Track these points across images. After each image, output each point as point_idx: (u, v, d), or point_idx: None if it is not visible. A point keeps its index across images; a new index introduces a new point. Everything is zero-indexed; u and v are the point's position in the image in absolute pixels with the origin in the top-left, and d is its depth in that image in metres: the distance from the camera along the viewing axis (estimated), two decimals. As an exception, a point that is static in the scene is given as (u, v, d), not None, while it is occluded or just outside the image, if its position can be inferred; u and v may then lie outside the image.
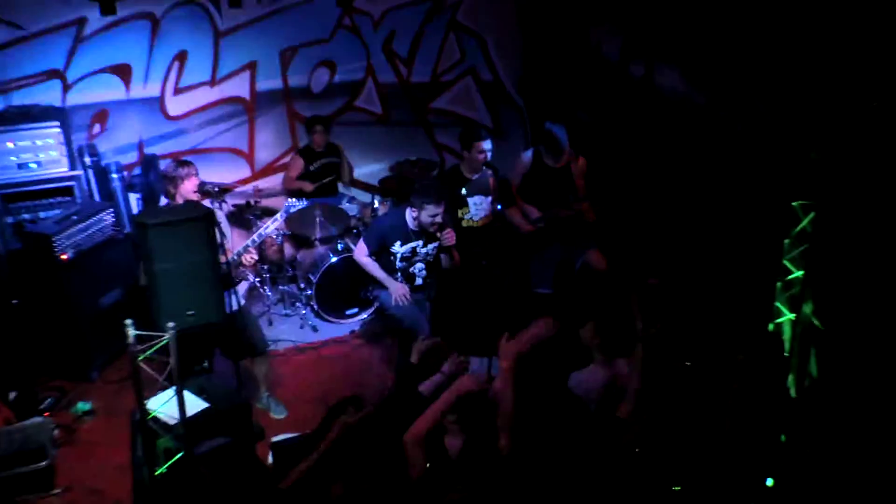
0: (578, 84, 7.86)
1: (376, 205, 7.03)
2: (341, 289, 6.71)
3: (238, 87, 7.52)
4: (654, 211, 6.08)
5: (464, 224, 5.86)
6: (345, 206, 7.30)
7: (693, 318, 6.39)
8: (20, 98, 6.59)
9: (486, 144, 5.70)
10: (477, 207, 5.87)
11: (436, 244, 5.44)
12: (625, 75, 7.25)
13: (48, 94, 6.71)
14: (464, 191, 5.81)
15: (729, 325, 6.01)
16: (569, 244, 6.10)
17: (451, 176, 5.94)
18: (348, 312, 6.86)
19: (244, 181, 7.65)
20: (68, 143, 6.37)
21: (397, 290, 5.36)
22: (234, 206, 6.67)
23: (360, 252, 5.49)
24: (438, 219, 5.22)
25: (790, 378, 5.20)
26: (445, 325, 6.24)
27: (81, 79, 6.86)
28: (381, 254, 5.41)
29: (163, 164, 6.42)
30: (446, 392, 3.69)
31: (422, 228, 5.32)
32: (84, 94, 6.90)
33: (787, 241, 5.34)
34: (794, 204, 5.25)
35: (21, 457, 4.77)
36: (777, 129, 5.76)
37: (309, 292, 6.73)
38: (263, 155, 7.79)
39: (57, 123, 6.31)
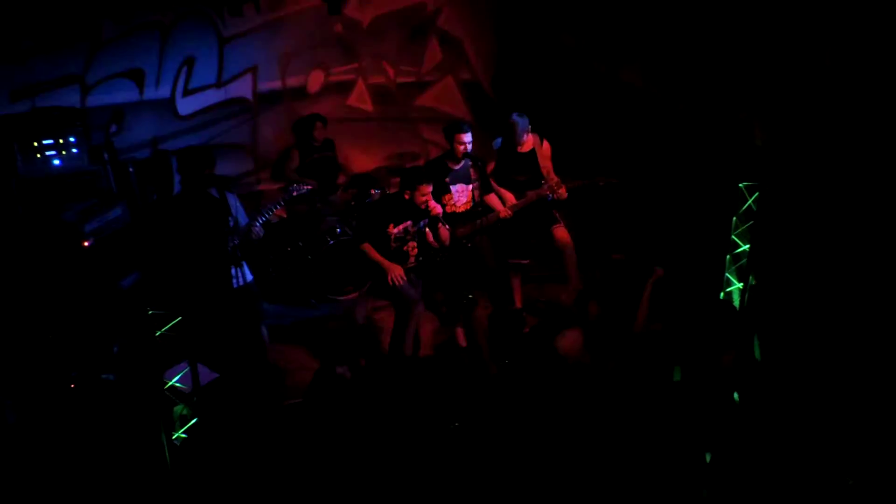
0: (546, 80, 7.81)
1: (372, 192, 6.96)
2: (338, 269, 6.64)
3: (241, 88, 7.42)
4: (618, 193, 6.05)
5: (447, 210, 5.79)
6: (341, 195, 7.21)
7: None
8: (43, 101, 6.46)
9: (467, 137, 5.64)
10: (459, 194, 5.81)
11: (425, 220, 5.39)
12: (589, 72, 7.20)
13: (69, 97, 6.59)
14: (447, 179, 5.75)
15: (684, 293, 6.01)
16: (536, 220, 6.09)
17: (436, 165, 5.88)
18: (344, 290, 6.79)
19: (248, 173, 7.56)
20: (88, 140, 6.26)
21: (393, 272, 5.29)
22: (240, 194, 6.57)
23: (358, 238, 5.43)
24: (428, 197, 5.21)
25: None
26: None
27: (99, 82, 6.72)
28: (376, 237, 5.34)
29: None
30: None
31: (412, 209, 5.27)
32: (101, 97, 6.78)
33: (734, 218, 5.34)
34: (740, 185, 5.24)
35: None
36: (727, 121, 5.75)
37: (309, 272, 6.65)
38: (265, 149, 7.69)
39: (77, 123, 6.19)
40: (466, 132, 5.64)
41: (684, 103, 6.18)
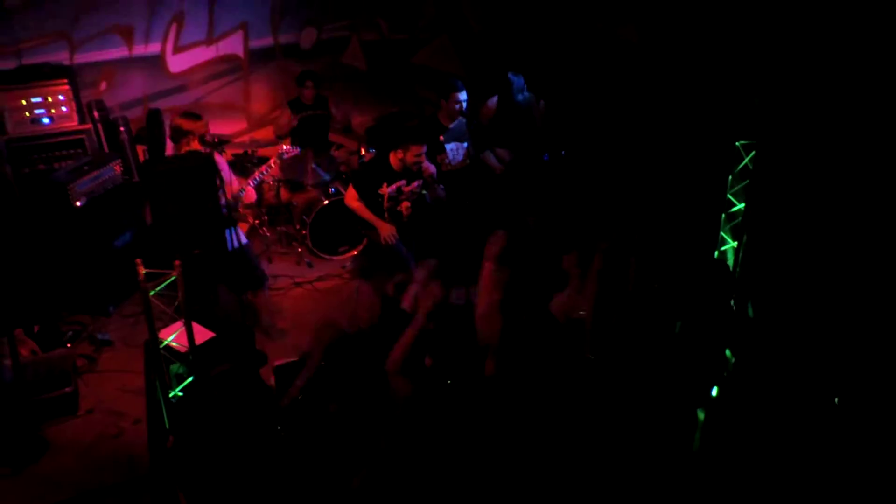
0: (543, 38, 7.69)
1: (362, 152, 6.89)
2: (333, 229, 6.61)
3: (232, 45, 7.28)
4: (616, 153, 6.02)
5: (442, 169, 5.75)
6: (334, 153, 7.14)
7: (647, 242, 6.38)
8: (31, 57, 6.32)
9: (462, 95, 5.59)
10: (454, 153, 5.76)
11: (419, 181, 5.35)
12: (586, 29, 7.09)
13: (57, 54, 6.45)
14: (442, 137, 5.70)
15: (679, 251, 6.00)
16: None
17: (430, 124, 5.82)
18: (340, 250, 6.77)
19: (241, 132, 7.46)
20: (77, 99, 6.15)
21: (386, 231, 5.27)
22: (233, 154, 6.51)
23: (351, 197, 5.38)
24: (421, 158, 5.16)
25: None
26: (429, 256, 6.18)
27: (87, 39, 6.58)
28: (369, 196, 5.31)
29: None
30: (416, 316, 3.63)
31: (405, 168, 5.22)
32: (90, 54, 6.63)
33: (730, 176, 5.31)
34: (737, 144, 5.20)
35: (47, 384, 4.70)
36: (724, 80, 5.68)
37: (304, 232, 6.63)
38: (258, 108, 7.59)
39: (66, 81, 6.06)
40: (461, 90, 5.59)
41: (681, 61, 6.10)
